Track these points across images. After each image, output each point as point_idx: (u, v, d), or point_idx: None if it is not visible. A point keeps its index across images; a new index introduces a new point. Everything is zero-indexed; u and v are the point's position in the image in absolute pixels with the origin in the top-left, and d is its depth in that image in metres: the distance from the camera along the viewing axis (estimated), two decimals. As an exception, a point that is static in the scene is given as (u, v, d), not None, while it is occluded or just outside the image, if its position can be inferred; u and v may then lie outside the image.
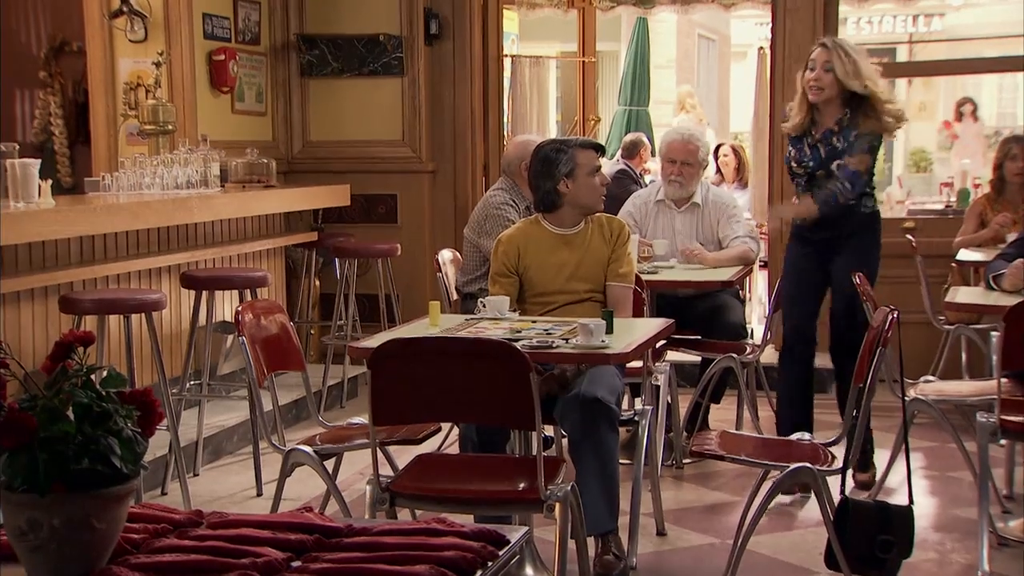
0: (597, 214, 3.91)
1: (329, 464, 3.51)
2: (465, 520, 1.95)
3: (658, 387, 4.27)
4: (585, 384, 3.45)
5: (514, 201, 4.92)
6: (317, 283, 6.52)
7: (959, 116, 11.68)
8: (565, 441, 4.57)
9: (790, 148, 4.61)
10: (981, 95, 12.84)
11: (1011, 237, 5.26)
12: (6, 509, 1.63)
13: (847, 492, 3.17)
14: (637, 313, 4.01)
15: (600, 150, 3.96)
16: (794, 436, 3.60)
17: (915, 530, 3.13)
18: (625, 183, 7.19)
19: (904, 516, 3.11)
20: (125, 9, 5.73)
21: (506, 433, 3.51)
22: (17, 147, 4.62)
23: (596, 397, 3.41)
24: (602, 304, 3.78)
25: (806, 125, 4.52)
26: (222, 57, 6.07)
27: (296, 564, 1.71)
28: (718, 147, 8.60)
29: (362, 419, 3.63)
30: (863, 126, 4.43)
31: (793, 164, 4.57)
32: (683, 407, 4.94)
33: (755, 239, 5.18)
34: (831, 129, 4.47)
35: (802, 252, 4.64)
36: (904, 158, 12.96)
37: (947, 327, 5.60)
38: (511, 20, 10.11)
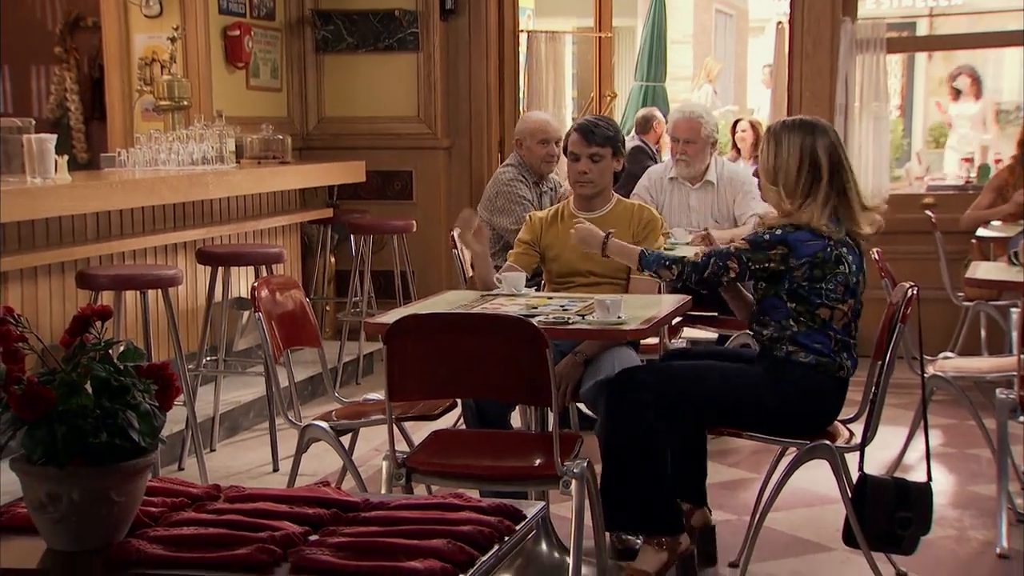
0: (631, 202, 3.96)
1: (345, 440, 3.51)
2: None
3: (675, 364, 4.24)
4: (616, 366, 3.42)
5: (523, 176, 4.89)
6: (332, 259, 6.52)
7: (955, 94, 9.06)
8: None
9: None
10: (1003, 69, 12.45)
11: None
12: (26, 482, 1.64)
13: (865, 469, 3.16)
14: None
15: (585, 136, 3.77)
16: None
17: (933, 507, 3.12)
18: (640, 159, 7.08)
19: (922, 493, 3.10)
20: (140, -16, 5.72)
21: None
22: (33, 123, 4.64)
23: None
24: (618, 288, 3.75)
25: None
26: (237, 32, 6.05)
27: (313, 538, 1.71)
28: (736, 122, 8.53)
29: (378, 395, 3.63)
30: None
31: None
32: (699, 384, 4.91)
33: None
34: None
35: None
36: (923, 134, 12.74)
37: (966, 303, 5.56)
38: (527, -5, 10.05)
